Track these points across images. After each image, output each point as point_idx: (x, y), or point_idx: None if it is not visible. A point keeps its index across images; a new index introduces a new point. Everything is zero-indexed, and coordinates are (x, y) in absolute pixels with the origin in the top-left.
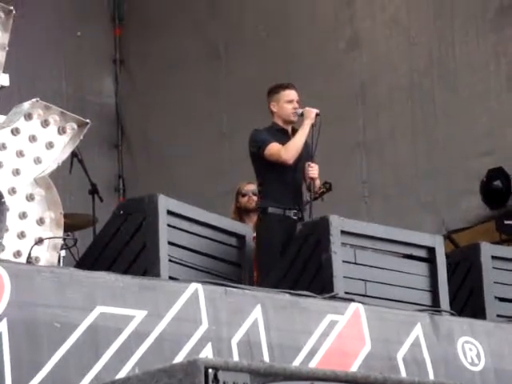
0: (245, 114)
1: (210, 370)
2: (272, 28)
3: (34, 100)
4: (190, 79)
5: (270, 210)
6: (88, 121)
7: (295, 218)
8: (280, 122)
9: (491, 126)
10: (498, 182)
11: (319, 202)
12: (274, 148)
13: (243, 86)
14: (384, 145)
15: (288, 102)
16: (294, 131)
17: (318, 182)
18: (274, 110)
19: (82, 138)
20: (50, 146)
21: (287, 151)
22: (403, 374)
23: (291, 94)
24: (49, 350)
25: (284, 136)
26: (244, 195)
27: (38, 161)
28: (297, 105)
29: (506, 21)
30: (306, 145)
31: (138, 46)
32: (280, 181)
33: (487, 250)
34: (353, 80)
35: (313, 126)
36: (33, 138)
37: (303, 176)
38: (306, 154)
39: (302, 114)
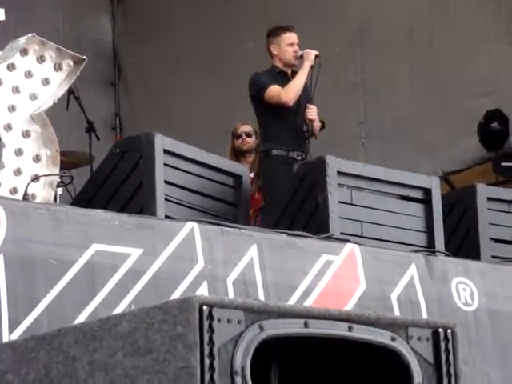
0: (246, 55)
1: (205, 307)
2: None
3: (29, 35)
4: (188, 17)
5: (274, 152)
6: (85, 57)
7: (299, 158)
8: (280, 65)
9: (490, 68)
10: (495, 124)
11: (317, 143)
12: (273, 90)
13: (243, 25)
14: (382, 86)
15: (289, 44)
16: (294, 74)
17: (316, 124)
18: (275, 52)
19: (78, 74)
20: (46, 82)
21: (287, 93)
22: (397, 313)
23: (292, 37)
24: (45, 287)
25: (284, 78)
26: (238, 137)
27: (33, 97)
28: (297, 48)
29: None
30: (305, 87)
31: None
32: (281, 123)
33: (483, 191)
34: (352, 20)
35: (312, 67)
36: (29, 74)
37: (304, 118)
38: (306, 96)
39: (301, 56)
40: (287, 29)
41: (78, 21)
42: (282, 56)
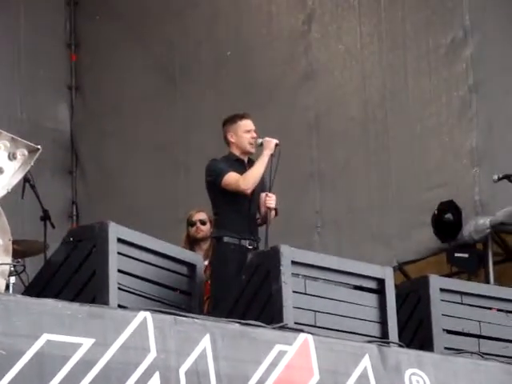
0: (200, 142)
1: None
2: (228, 57)
3: None
4: (145, 107)
5: (226, 239)
6: (39, 147)
7: (250, 247)
8: (237, 153)
9: (443, 159)
10: (449, 215)
11: (273, 232)
12: (231, 177)
13: (198, 114)
14: (337, 176)
15: (246, 131)
16: (250, 161)
17: (273, 213)
18: (232, 140)
19: (32, 164)
20: None
21: (245, 181)
22: None
23: (248, 124)
24: None
25: (241, 166)
26: (193, 224)
27: None
28: (255, 134)
29: (458, 56)
30: (262, 178)
31: (94, 73)
32: (236, 211)
33: (436, 282)
34: (307, 111)
35: (272, 156)
36: None
37: (258, 206)
38: (261, 184)
39: (261, 144)
40: (243, 116)
41: (36, 109)
42: (239, 143)
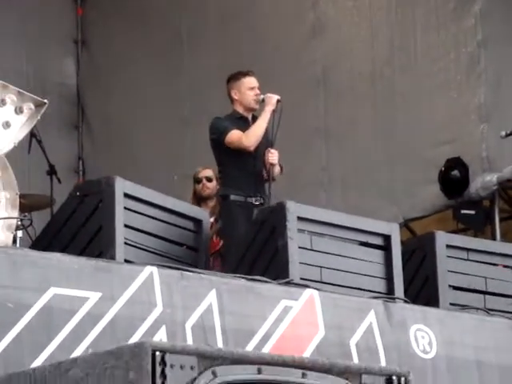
0: (207, 99)
1: (158, 353)
2: (234, 13)
3: None
4: (152, 63)
5: (232, 197)
6: (46, 101)
7: (257, 203)
8: (241, 110)
9: (451, 116)
10: (456, 172)
11: (279, 188)
12: (234, 135)
13: (206, 71)
14: (344, 132)
15: (250, 89)
16: (254, 118)
17: (277, 169)
18: (236, 97)
19: (39, 118)
20: (6, 125)
21: (248, 138)
22: (355, 360)
23: (252, 81)
24: (2, 331)
25: (245, 123)
26: (199, 181)
27: None
28: (258, 91)
29: (467, 11)
30: (266, 131)
31: (100, 27)
32: (241, 168)
33: (442, 238)
34: (315, 66)
35: (274, 111)
36: None
37: (263, 162)
38: (266, 141)
39: (263, 100)
40: (247, 73)
41: (41, 64)
42: (242, 100)
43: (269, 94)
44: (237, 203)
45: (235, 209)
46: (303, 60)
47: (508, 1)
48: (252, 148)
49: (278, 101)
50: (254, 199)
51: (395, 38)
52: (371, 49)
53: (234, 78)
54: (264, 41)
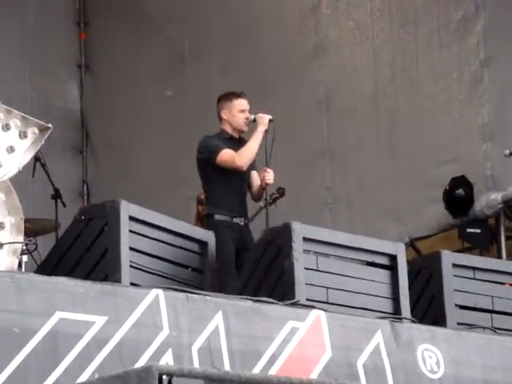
0: (209, 120)
1: (165, 377)
2: (237, 35)
3: None
4: (154, 84)
5: (217, 217)
6: (50, 125)
7: (242, 224)
8: (229, 130)
9: (454, 135)
10: (460, 191)
11: (278, 209)
12: (227, 154)
13: (208, 92)
14: (348, 152)
15: (240, 111)
16: (241, 140)
17: (269, 194)
18: (225, 117)
19: (43, 142)
20: (10, 150)
21: (241, 158)
22: (363, 381)
23: (243, 104)
24: (7, 356)
25: (234, 143)
26: (202, 203)
27: None
28: (248, 114)
29: (469, 30)
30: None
31: (103, 51)
32: (227, 188)
33: (448, 257)
34: (318, 87)
35: (266, 132)
36: None
37: (248, 185)
38: (251, 163)
39: (254, 120)
40: (239, 95)
41: (45, 88)
42: (232, 122)
43: (260, 114)
44: (222, 223)
45: (221, 228)
46: (306, 81)
47: (510, 20)
48: (244, 168)
49: (271, 120)
50: (239, 220)
51: (397, 57)
52: (374, 69)
53: (225, 98)
54: (266, 62)
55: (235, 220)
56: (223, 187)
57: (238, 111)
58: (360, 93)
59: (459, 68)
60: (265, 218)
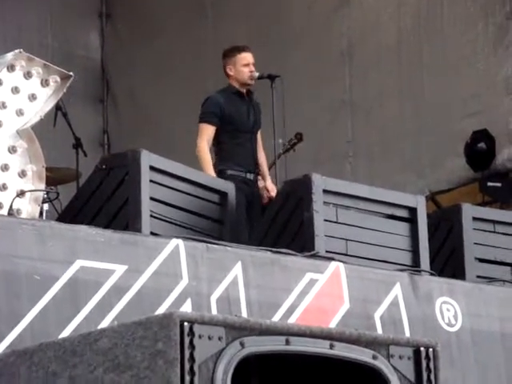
0: None
1: (186, 324)
2: None
3: (16, 51)
4: (176, 37)
5: (230, 172)
6: (71, 74)
7: (254, 180)
8: (236, 85)
9: (477, 88)
10: (482, 144)
11: (304, 160)
12: (204, 134)
13: (230, 43)
14: (370, 104)
15: (244, 65)
16: (249, 93)
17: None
18: (231, 73)
19: (65, 90)
20: (32, 97)
21: (198, 152)
22: (380, 332)
23: (247, 57)
24: (29, 302)
25: (240, 99)
26: None
27: (20, 113)
28: (253, 68)
29: None
30: (258, 111)
31: (124, 1)
32: (237, 145)
33: (468, 210)
34: (341, 38)
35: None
36: (15, 90)
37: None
38: (259, 119)
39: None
40: (242, 49)
41: (66, 37)
42: (237, 76)
43: (271, 188)
44: (235, 178)
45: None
46: (329, 33)
47: None
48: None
49: (276, 77)
50: (251, 175)
51: (422, 9)
52: (397, 20)
53: (229, 54)
54: (290, 15)
55: (248, 176)
56: (233, 144)
57: (242, 65)
58: (383, 44)
59: (484, 20)
60: (284, 168)
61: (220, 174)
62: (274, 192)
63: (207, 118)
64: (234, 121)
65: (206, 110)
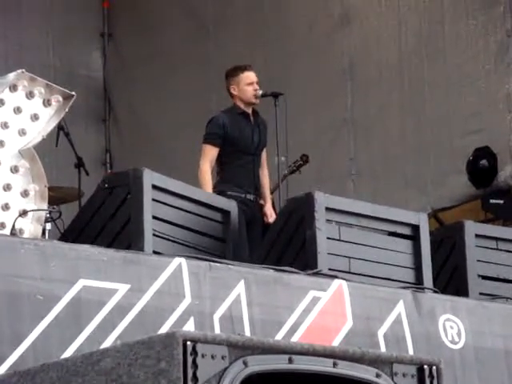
0: None
1: (189, 343)
2: (260, 3)
3: (19, 71)
4: (178, 54)
5: (230, 193)
6: (73, 93)
7: (254, 201)
8: (241, 105)
9: (479, 106)
10: (484, 161)
11: (301, 179)
12: (207, 156)
13: (232, 61)
14: (372, 122)
15: (248, 84)
16: (255, 113)
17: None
18: (235, 92)
19: (67, 110)
20: (35, 117)
21: (200, 174)
22: (383, 350)
23: (251, 76)
24: (31, 323)
25: (245, 120)
26: None
27: (22, 133)
28: (257, 86)
29: (495, 0)
30: (263, 130)
31: (126, 20)
32: (239, 166)
33: (471, 228)
34: (342, 57)
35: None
36: (17, 110)
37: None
38: (264, 138)
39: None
40: (245, 68)
41: (68, 57)
42: (241, 96)
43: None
44: (235, 198)
45: None
46: (330, 51)
47: None
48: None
49: (280, 94)
50: (251, 196)
51: (423, 27)
52: (399, 38)
53: (232, 73)
54: (291, 31)
55: (248, 196)
56: (235, 165)
57: (245, 84)
58: (385, 62)
59: (485, 37)
60: (286, 186)
61: (220, 194)
62: (272, 218)
63: (211, 139)
64: (238, 142)
65: (210, 131)
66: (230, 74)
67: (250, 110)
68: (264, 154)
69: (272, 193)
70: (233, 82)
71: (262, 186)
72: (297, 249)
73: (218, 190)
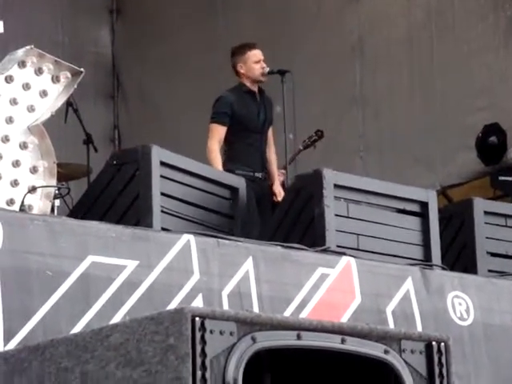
0: None
1: (197, 319)
2: None
3: (28, 47)
4: (187, 33)
5: (238, 172)
6: (82, 70)
7: (262, 178)
8: (248, 83)
9: (488, 82)
10: (493, 138)
11: (316, 155)
12: (215, 134)
13: (240, 40)
14: (381, 99)
15: (255, 62)
16: (261, 91)
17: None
18: (242, 71)
19: (75, 86)
20: (43, 94)
21: (208, 153)
22: (392, 327)
23: (258, 54)
24: (40, 298)
25: (251, 98)
26: None
27: (31, 109)
28: (264, 64)
29: None
30: (270, 109)
31: None
32: (246, 144)
33: (480, 205)
34: (351, 33)
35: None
36: (26, 86)
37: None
38: (270, 116)
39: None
40: (252, 46)
41: (77, 33)
42: (249, 74)
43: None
44: (243, 177)
45: None
46: (339, 27)
47: None
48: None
49: (286, 71)
50: (259, 174)
51: (432, 2)
52: (408, 14)
53: (239, 51)
54: (300, 9)
55: (256, 174)
56: (243, 144)
57: (253, 62)
58: (394, 39)
59: (495, 13)
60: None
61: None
62: (280, 196)
63: (218, 118)
64: (245, 121)
65: (218, 110)
66: (237, 51)
67: (256, 88)
68: (270, 132)
69: (287, 165)
70: (239, 60)
71: (270, 163)
72: (305, 226)
73: (226, 168)
